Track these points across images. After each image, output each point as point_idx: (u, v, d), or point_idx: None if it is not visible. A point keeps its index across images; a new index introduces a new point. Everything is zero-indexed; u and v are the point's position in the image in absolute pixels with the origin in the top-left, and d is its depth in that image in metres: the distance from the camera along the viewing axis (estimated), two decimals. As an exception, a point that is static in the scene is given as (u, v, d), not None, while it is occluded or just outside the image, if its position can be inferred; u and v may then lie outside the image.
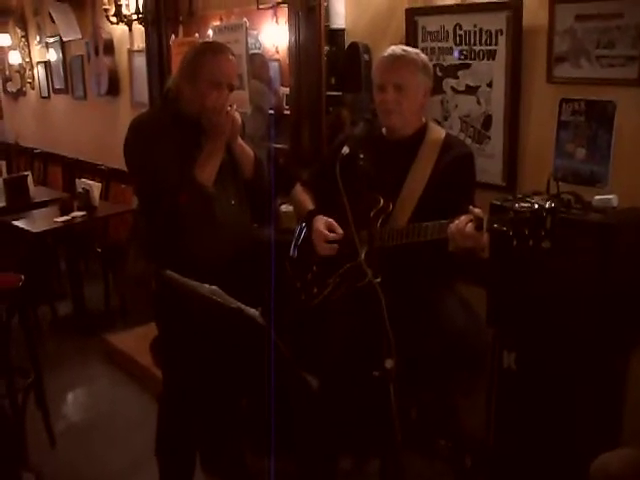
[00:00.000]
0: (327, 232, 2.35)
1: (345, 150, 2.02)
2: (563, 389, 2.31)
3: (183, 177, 2.31)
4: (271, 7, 3.82)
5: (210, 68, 2.36)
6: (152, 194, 2.39)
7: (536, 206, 1.84)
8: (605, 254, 2.17)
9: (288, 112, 3.76)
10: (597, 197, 2.30)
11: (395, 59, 2.32)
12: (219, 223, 2.42)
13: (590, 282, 2.20)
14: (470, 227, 1.99)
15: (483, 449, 2.65)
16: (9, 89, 7.91)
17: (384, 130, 2.43)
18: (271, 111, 3.92)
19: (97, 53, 5.66)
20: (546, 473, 2.38)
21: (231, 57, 2.42)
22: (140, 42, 5.07)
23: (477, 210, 2.01)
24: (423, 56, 2.38)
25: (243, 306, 1.77)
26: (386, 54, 2.35)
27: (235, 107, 2.42)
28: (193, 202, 2.33)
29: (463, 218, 2.01)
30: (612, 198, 2.29)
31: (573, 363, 2.28)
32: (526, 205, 1.86)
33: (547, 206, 1.82)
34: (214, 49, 2.44)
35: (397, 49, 2.35)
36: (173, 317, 2.44)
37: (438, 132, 2.41)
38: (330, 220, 2.37)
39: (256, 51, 4.01)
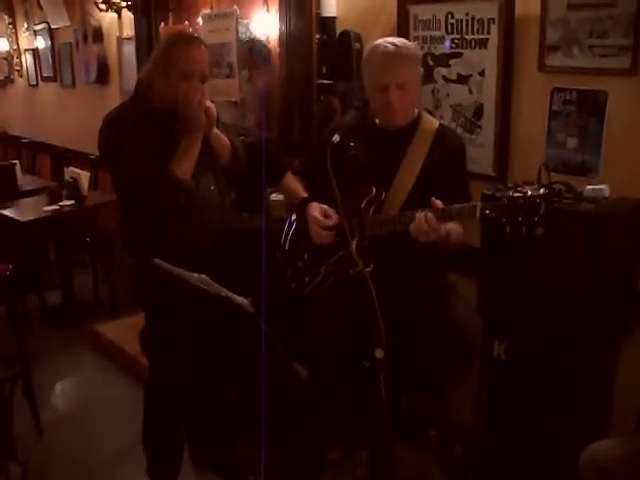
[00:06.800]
0: (322, 219, 2.34)
1: (335, 138, 2.00)
2: (553, 379, 2.32)
3: (160, 172, 2.28)
4: (262, -6, 3.79)
5: (182, 58, 2.31)
6: (127, 189, 2.38)
7: (529, 193, 1.85)
8: (596, 244, 2.17)
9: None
10: (588, 187, 2.29)
11: (393, 57, 2.25)
12: (200, 209, 2.41)
13: (581, 272, 2.20)
14: (431, 219, 2.04)
15: (473, 438, 2.65)
16: (-4, 77, 7.84)
17: (377, 120, 2.41)
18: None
19: (86, 41, 5.62)
20: (536, 463, 2.38)
21: (203, 47, 2.38)
22: (129, 30, 5.03)
23: (437, 202, 2.07)
24: (412, 44, 2.35)
25: (231, 295, 1.76)
26: (380, 52, 2.27)
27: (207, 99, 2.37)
28: (174, 196, 2.31)
29: (419, 215, 2.07)
30: (603, 188, 2.28)
31: (563, 353, 2.28)
32: (519, 193, 1.87)
33: (541, 193, 1.83)
34: (185, 39, 2.40)
35: (390, 45, 2.26)
36: (160, 306, 2.43)
37: (431, 122, 2.41)
38: (324, 206, 2.35)
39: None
